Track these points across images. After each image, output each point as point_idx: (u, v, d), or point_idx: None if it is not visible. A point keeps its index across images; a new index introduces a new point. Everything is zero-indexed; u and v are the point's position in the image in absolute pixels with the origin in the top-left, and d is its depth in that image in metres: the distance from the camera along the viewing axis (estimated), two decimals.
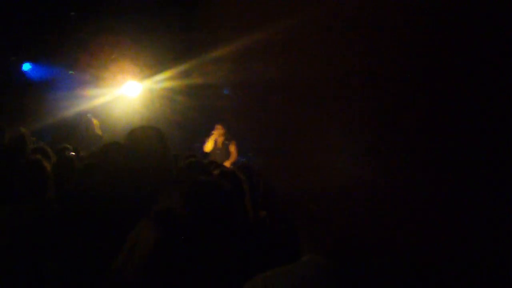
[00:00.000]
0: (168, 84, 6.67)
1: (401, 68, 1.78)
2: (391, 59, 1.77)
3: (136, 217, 1.85)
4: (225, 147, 5.84)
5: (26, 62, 6.02)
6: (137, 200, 1.90)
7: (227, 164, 5.39)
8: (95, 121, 7.16)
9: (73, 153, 4.36)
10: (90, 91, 7.18)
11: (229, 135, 5.84)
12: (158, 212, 1.86)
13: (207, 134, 5.87)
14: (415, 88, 1.71)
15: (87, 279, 2.07)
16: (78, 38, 6.31)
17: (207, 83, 6.24)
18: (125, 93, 6.85)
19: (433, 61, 1.67)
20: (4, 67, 5.80)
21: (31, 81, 6.13)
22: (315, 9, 2.00)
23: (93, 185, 2.32)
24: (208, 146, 5.77)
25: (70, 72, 6.75)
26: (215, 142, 5.76)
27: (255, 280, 1.21)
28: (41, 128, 6.11)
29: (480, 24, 1.51)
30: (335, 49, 1.93)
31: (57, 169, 2.87)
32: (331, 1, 1.90)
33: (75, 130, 6.44)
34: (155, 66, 6.57)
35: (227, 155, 5.80)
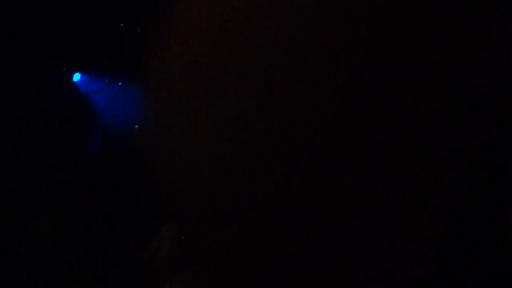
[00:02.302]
0: None
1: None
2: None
3: None
4: None
5: (76, 72, 6.06)
6: None
7: None
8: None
9: None
10: (138, 102, 7.21)
11: None
12: None
13: None
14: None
15: None
16: (126, 48, 6.33)
17: None
18: None
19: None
20: (55, 78, 5.85)
21: (81, 91, 6.15)
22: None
23: None
24: None
25: (119, 83, 6.76)
26: None
27: None
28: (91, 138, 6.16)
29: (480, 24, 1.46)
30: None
31: None
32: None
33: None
34: None
35: None
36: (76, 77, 6.04)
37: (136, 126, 7.13)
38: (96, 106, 6.19)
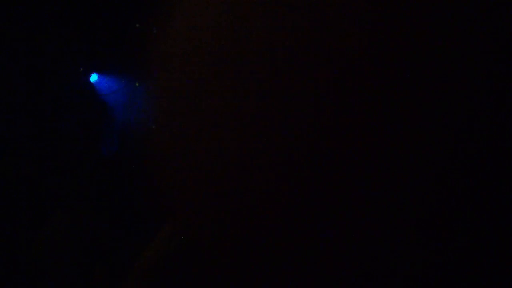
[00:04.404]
0: None
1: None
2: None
3: None
4: None
5: (93, 73, 6.14)
6: None
7: None
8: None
9: None
10: (155, 103, 7.26)
11: None
12: None
13: None
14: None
15: None
16: (144, 49, 6.38)
17: None
18: None
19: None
20: (73, 79, 5.94)
21: (98, 92, 6.24)
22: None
23: None
24: None
25: (136, 84, 6.81)
26: None
27: None
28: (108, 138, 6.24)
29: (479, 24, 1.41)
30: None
31: None
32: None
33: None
34: None
35: None
36: (93, 77, 6.13)
37: (154, 126, 7.20)
38: (112, 106, 6.27)
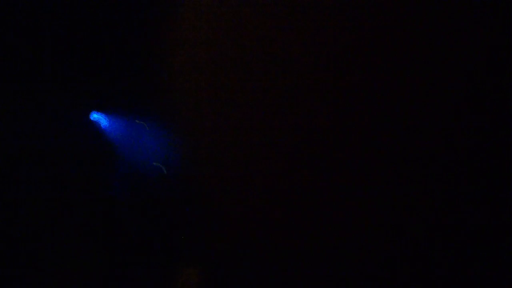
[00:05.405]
0: None
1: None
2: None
3: None
4: None
5: (94, 111, 6.09)
6: None
7: None
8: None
9: None
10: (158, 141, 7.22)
11: None
12: None
13: None
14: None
15: None
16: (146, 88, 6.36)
17: None
18: None
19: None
20: (74, 117, 5.89)
21: (99, 131, 6.17)
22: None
23: None
24: None
25: (138, 121, 6.76)
26: None
27: None
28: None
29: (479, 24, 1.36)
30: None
31: None
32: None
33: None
34: None
35: None
36: (95, 116, 6.08)
37: (155, 164, 7.10)
38: (114, 144, 6.20)
